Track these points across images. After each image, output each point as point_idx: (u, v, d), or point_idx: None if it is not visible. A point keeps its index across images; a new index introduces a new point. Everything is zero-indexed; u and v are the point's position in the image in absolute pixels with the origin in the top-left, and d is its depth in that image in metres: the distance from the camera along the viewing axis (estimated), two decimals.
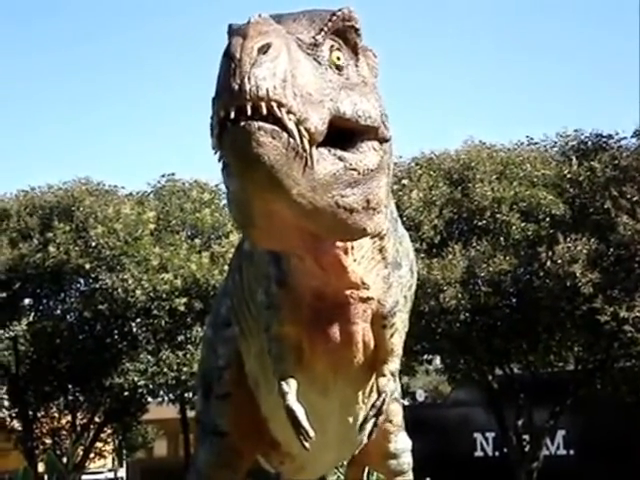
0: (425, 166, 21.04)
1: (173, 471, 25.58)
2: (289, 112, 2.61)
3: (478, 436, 24.67)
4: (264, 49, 2.61)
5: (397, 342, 3.77)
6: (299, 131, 2.64)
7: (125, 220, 21.95)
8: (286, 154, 2.62)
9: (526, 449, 21.41)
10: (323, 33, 2.93)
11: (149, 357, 22.18)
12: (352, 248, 3.35)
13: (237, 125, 2.59)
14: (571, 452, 22.97)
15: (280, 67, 2.62)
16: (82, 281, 23.42)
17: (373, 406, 3.69)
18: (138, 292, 21.07)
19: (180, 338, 22.33)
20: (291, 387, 3.60)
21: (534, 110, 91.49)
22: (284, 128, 2.61)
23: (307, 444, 3.52)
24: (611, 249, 18.59)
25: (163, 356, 21.99)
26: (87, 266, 21.70)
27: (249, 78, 2.57)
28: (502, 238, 19.65)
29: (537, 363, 22.11)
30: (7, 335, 23.17)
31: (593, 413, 21.94)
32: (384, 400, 3.68)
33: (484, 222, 19.80)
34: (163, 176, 24.94)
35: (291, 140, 2.62)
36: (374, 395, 3.97)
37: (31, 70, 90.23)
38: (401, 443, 4.88)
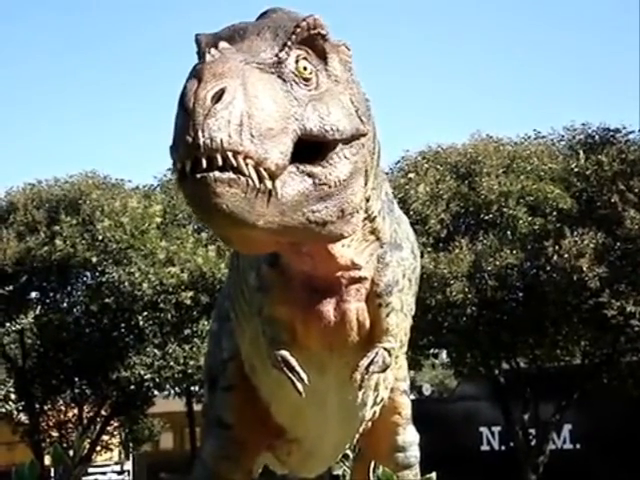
0: (432, 160, 21.03)
1: (179, 464, 25.67)
2: (246, 157, 2.61)
3: (484, 430, 24.69)
4: (218, 95, 2.60)
5: (393, 322, 3.75)
6: (258, 173, 2.64)
7: (132, 214, 21.98)
8: (246, 197, 2.64)
9: (532, 443, 21.42)
10: (287, 48, 2.92)
11: (155, 350, 22.20)
12: None
13: (194, 177, 2.61)
14: (577, 446, 22.97)
15: (235, 112, 2.60)
16: (89, 274, 23.47)
17: (366, 356, 3.68)
18: (145, 285, 21.11)
19: (186, 332, 22.35)
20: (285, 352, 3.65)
21: (541, 104, 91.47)
22: (242, 173, 2.62)
23: (301, 387, 3.55)
24: (618, 243, 18.58)
25: (169, 349, 22.03)
26: (94, 259, 21.75)
27: (203, 130, 2.57)
28: (509, 232, 19.64)
29: (543, 357, 22.10)
30: (14, 328, 23.19)
31: (599, 407, 21.92)
32: (377, 353, 3.69)
33: (491, 216, 19.79)
34: (170, 169, 24.97)
35: (250, 182, 2.63)
36: (373, 376, 3.99)
37: (39, 65, 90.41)
38: (409, 436, 4.88)
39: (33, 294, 24.30)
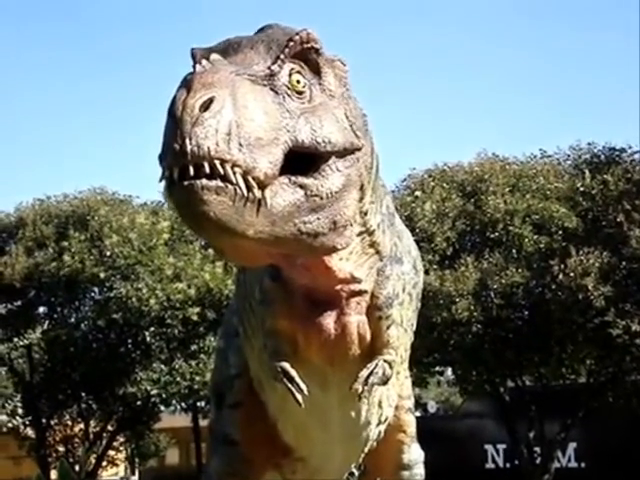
0: (438, 178, 21.10)
1: (185, 479, 25.67)
2: (234, 166, 2.62)
3: (489, 448, 24.67)
4: (206, 104, 2.63)
5: (394, 334, 3.77)
6: (246, 181, 2.65)
7: (139, 230, 22.08)
8: (234, 205, 2.64)
9: (537, 461, 21.40)
10: (280, 61, 2.94)
11: (162, 366, 22.25)
12: None
13: (181, 184, 2.62)
14: (582, 464, 22.94)
15: (223, 121, 2.63)
16: (96, 290, 23.55)
17: (366, 368, 3.68)
18: (152, 301, 21.17)
19: (193, 347, 22.40)
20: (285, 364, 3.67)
21: (547, 123, 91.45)
22: (230, 182, 2.63)
23: (300, 398, 3.56)
24: (623, 262, 18.60)
25: (176, 365, 22.07)
26: (102, 275, 21.84)
27: (190, 138, 2.58)
28: (514, 250, 19.69)
29: (549, 375, 22.08)
30: (22, 343, 23.29)
31: (604, 426, 21.90)
32: (377, 364, 3.69)
33: (497, 234, 19.85)
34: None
35: (239, 190, 2.64)
36: (376, 392, 4.02)
37: (48, 81, 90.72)
38: (414, 454, 4.88)
39: (41, 309, 24.42)
